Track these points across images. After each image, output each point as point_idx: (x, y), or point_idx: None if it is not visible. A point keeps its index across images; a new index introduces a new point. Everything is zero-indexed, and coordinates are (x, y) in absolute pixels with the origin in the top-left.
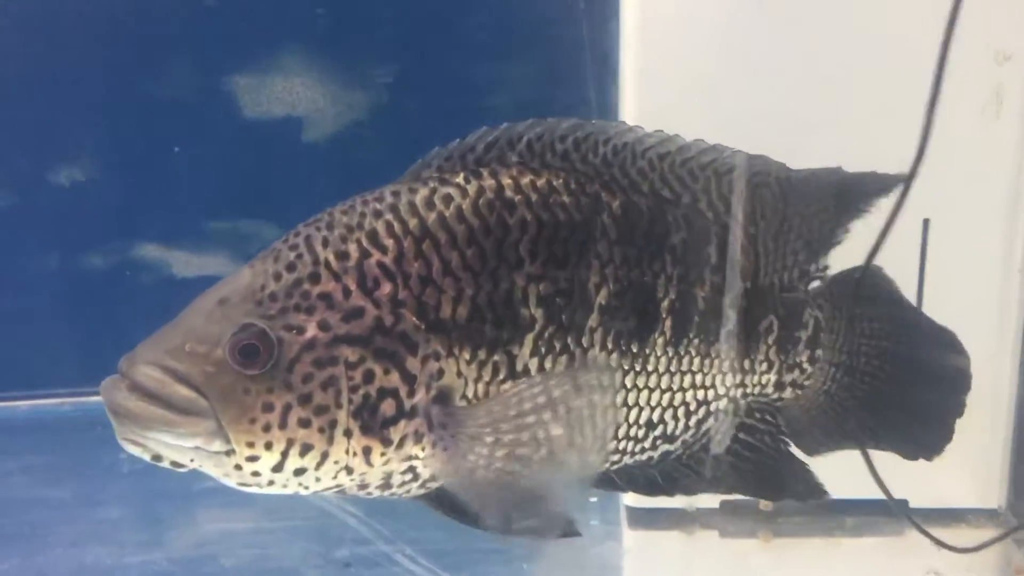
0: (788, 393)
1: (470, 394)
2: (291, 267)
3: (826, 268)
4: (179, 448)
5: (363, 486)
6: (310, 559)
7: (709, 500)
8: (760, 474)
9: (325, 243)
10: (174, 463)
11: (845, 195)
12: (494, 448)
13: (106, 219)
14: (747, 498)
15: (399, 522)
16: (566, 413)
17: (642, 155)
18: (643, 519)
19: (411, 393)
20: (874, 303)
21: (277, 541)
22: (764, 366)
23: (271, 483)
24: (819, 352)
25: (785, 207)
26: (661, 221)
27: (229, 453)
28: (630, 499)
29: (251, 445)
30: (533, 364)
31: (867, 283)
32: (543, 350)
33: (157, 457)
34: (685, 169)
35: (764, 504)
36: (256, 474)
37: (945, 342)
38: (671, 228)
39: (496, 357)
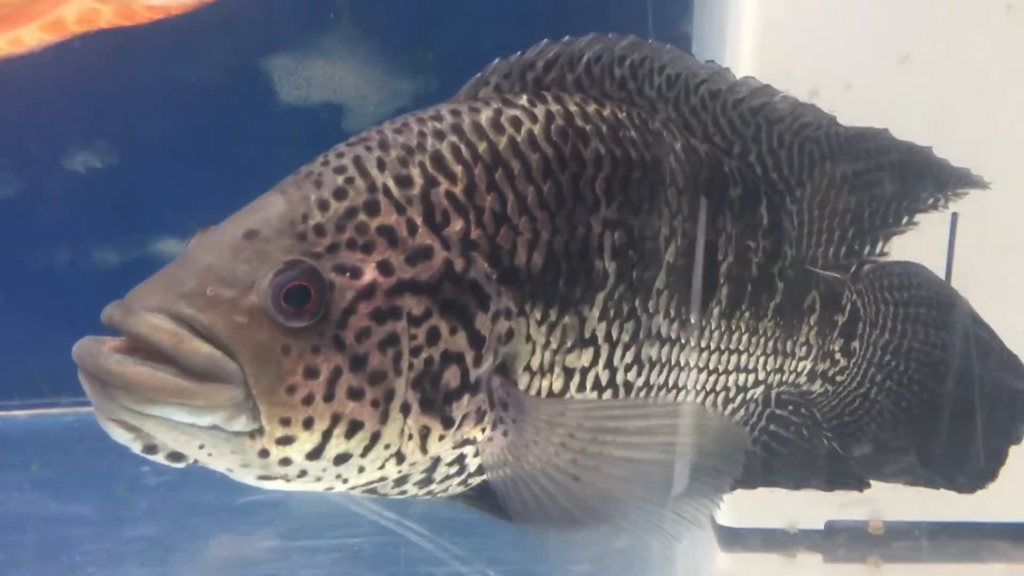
0: (818, 386)
1: (535, 365)
2: (340, 193)
3: (881, 254)
4: (190, 430)
5: (402, 481)
6: None
7: (813, 521)
8: (793, 468)
9: (381, 165)
10: (172, 455)
11: (915, 175)
12: (561, 451)
13: (123, 210)
14: (856, 520)
15: (472, 539)
16: (656, 445)
17: (695, 90)
18: (737, 540)
19: (477, 360)
20: (932, 305)
21: (335, 562)
22: (803, 350)
23: (302, 474)
24: (854, 345)
25: (833, 169)
26: (719, 171)
27: (255, 434)
28: (723, 518)
29: (286, 423)
30: (601, 330)
31: (923, 282)
32: (611, 314)
33: (151, 448)
34: (736, 112)
35: (875, 527)
36: (286, 462)
37: (1010, 364)
38: (728, 181)
39: (567, 319)
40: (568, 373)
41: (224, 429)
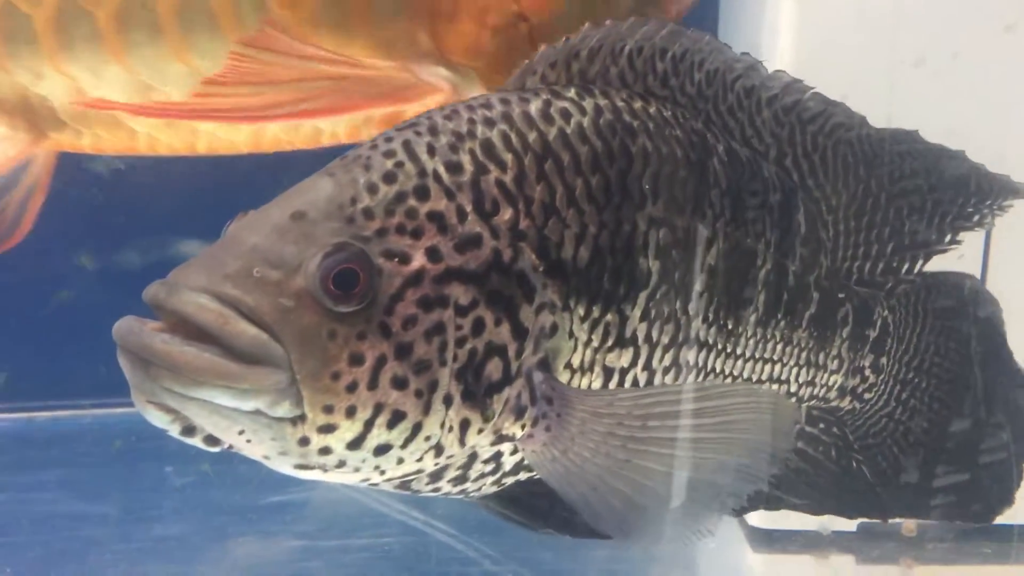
0: (847, 403)
1: (576, 362)
2: (390, 177)
3: (918, 272)
4: (232, 414)
5: (437, 476)
6: None
7: (845, 523)
8: (819, 491)
9: (431, 151)
10: (209, 439)
11: (951, 184)
12: (610, 439)
13: (145, 211)
14: (889, 522)
15: (502, 539)
16: (707, 434)
17: (731, 87)
18: (769, 541)
19: (519, 352)
20: (955, 317)
21: (366, 562)
22: (835, 363)
23: (340, 464)
24: (883, 361)
25: (868, 174)
26: (759, 176)
27: (296, 421)
28: (754, 518)
29: (329, 410)
30: (641, 331)
31: (954, 294)
32: (652, 314)
33: (189, 430)
34: (770, 111)
35: (907, 528)
36: (326, 451)
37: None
38: (769, 186)
39: (609, 317)
40: (608, 372)
41: (267, 415)
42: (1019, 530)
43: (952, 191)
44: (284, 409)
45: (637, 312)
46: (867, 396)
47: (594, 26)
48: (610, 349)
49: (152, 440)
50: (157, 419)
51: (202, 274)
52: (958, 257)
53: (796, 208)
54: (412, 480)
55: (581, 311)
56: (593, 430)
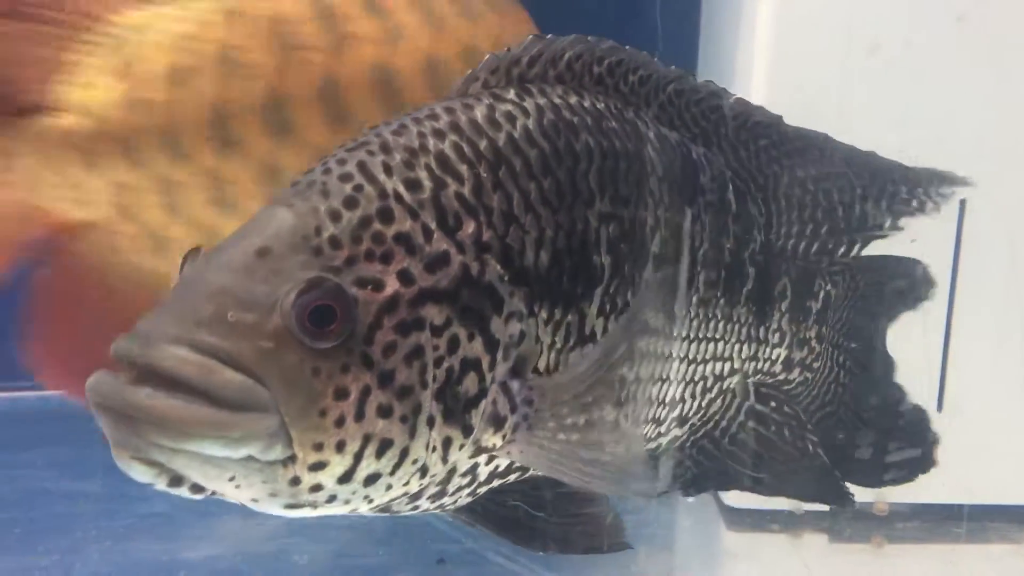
0: (797, 375)
1: (542, 365)
2: (351, 202)
3: (855, 255)
4: (223, 463)
5: (418, 496)
6: (396, 556)
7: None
8: (769, 471)
9: (388, 170)
10: (195, 487)
11: (880, 176)
12: (577, 424)
13: None
14: (861, 502)
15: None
16: (644, 366)
17: (663, 88)
18: (743, 520)
19: (492, 364)
20: (879, 298)
21: (347, 539)
22: (776, 337)
23: (331, 499)
24: (825, 330)
25: (789, 163)
26: (690, 159)
27: (287, 462)
28: (730, 498)
29: (319, 448)
30: (599, 326)
31: (906, 275)
32: (608, 308)
33: (176, 480)
34: (698, 109)
35: (879, 508)
36: (317, 488)
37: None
38: (698, 167)
39: (570, 317)
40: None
41: (259, 459)
42: (983, 510)
43: (874, 179)
44: (276, 452)
45: (594, 309)
46: (815, 365)
47: (537, 39)
48: (572, 348)
49: None
50: (142, 474)
51: (173, 323)
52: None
53: (725, 186)
54: (394, 503)
55: (544, 315)
56: (569, 415)
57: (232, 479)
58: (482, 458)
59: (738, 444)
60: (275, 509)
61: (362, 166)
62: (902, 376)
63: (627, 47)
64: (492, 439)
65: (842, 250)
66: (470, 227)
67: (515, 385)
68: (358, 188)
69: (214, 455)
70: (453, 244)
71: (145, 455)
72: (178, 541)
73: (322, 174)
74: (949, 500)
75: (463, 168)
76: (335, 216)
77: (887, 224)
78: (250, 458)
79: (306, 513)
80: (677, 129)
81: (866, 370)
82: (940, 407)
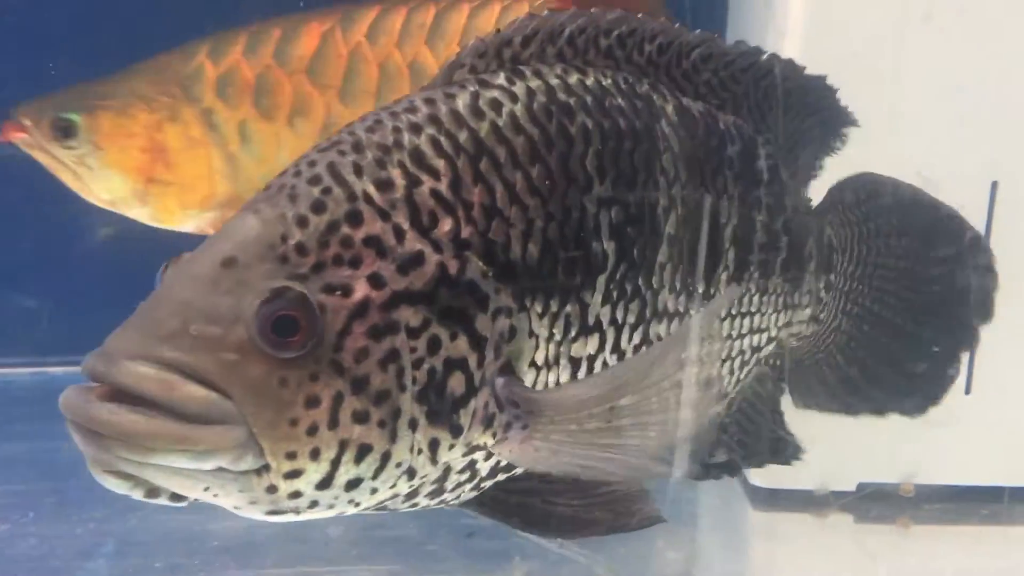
0: (815, 328)
1: (540, 359)
2: (319, 206)
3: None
4: (193, 475)
5: (413, 495)
6: (427, 529)
7: (844, 482)
8: (756, 437)
9: (358, 170)
10: (174, 496)
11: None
12: (580, 431)
13: None
14: (887, 483)
15: None
16: (668, 395)
17: (687, 55)
18: (769, 500)
19: (480, 362)
20: (885, 213)
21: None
22: (807, 299)
23: (313, 505)
24: (832, 277)
25: (800, 119)
26: (715, 129)
27: (261, 471)
28: (755, 478)
29: (292, 456)
30: (605, 315)
31: (880, 188)
32: (615, 295)
33: (153, 492)
34: (727, 73)
35: (905, 489)
36: (296, 495)
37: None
38: (725, 137)
39: (568, 308)
40: (574, 363)
41: (230, 470)
42: (1010, 492)
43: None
44: (247, 463)
45: (598, 297)
46: (822, 317)
47: (531, 16)
48: (574, 340)
49: None
50: (117, 486)
51: (137, 339)
52: None
53: (757, 156)
54: (388, 503)
55: (539, 308)
56: (567, 417)
57: (207, 489)
58: (479, 455)
59: (743, 413)
60: (257, 515)
61: (331, 167)
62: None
63: (639, 15)
64: (483, 438)
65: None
66: (447, 224)
67: (500, 383)
68: (326, 191)
69: (182, 467)
70: (428, 243)
71: (116, 468)
72: (211, 512)
73: (292, 177)
74: (976, 482)
75: (440, 163)
76: (302, 222)
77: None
78: (221, 469)
79: (290, 518)
80: (704, 98)
81: (880, 310)
82: (968, 389)
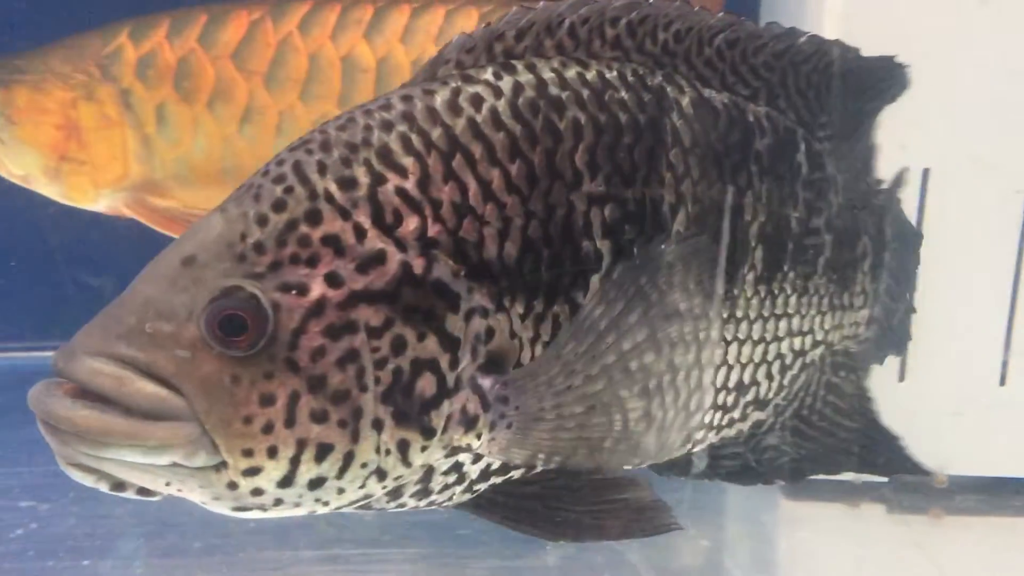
0: (870, 331)
1: (527, 360)
2: (279, 205)
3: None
4: (149, 469)
5: (395, 494)
6: (461, 512)
7: None
8: (845, 447)
9: (322, 169)
10: (142, 490)
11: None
12: (565, 416)
13: None
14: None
15: None
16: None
17: (709, 42)
18: (800, 489)
19: (454, 363)
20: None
21: None
22: (860, 299)
23: (278, 502)
24: (880, 271)
25: (855, 103)
26: (741, 123)
27: (219, 467)
28: None
29: (248, 454)
30: None
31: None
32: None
33: (119, 485)
34: (759, 59)
35: (938, 480)
36: (258, 492)
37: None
38: (753, 131)
39: (556, 309)
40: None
41: (185, 465)
42: None
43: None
44: (201, 459)
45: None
46: (878, 314)
47: (525, 9)
48: None
49: None
50: (83, 479)
51: (98, 335)
52: None
53: (794, 149)
54: (369, 502)
55: (520, 308)
56: (549, 401)
57: (168, 484)
58: (464, 456)
59: (821, 418)
60: (224, 511)
61: (296, 166)
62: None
63: (651, 1)
64: (465, 439)
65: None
66: (412, 223)
67: (487, 383)
68: (288, 190)
69: (137, 462)
70: (392, 242)
71: (77, 462)
72: None
73: (261, 176)
74: (1010, 473)
75: (408, 160)
76: (262, 220)
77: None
78: (176, 465)
79: (257, 515)
80: (732, 87)
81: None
82: (1003, 381)
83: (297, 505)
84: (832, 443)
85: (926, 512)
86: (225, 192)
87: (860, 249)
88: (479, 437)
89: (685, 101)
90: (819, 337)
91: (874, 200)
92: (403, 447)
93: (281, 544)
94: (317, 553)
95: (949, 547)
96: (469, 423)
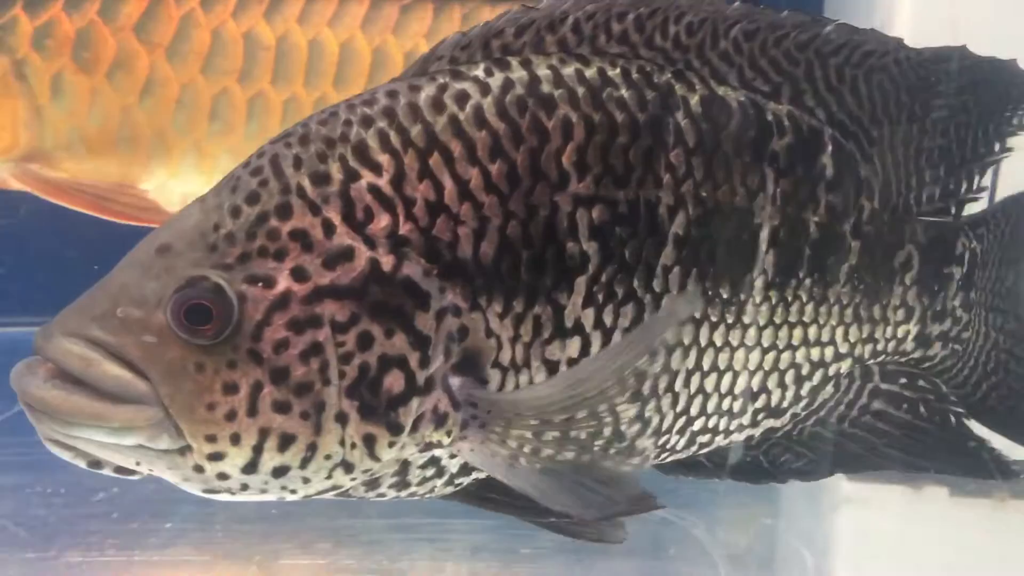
0: (938, 349)
1: (506, 360)
2: (253, 198)
3: (979, 188)
4: (116, 448)
5: (371, 485)
6: None
7: None
8: (909, 451)
9: (297, 163)
10: (119, 469)
11: (999, 93)
12: (541, 434)
13: None
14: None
15: None
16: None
17: (724, 34)
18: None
19: (424, 361)
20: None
21: None
22: (901, 314)
23: (244, 487)
24: (974, 295)
25: (911, 99)
26: (756, 121)
27: (184, 451)
28: None
29: (212, 439)
30: (588, 317)
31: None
32: (600, 298)
33: (96, 463)
34: (779, 51)
35: None
36: (223, 476)
37: None
38: (770, 130)
39: (537, 309)
40: (551, 366)
41: (150, 447)
42: None
43: (997, 99)
44: (165, 442)
45: (578, 299)
46: (965, 336)
47: (527, 7)
48: (548, 341)
49: None
50: (61, 454)
51: (75, 317)
52: None
53: (818, 150)
54: (346, 491)
55: (498, 308)
56: (524, 426)
57: (139, 464)
58: (441, 452)
59: (861, 426)
60: (196, 492)
61: (274, 160)
62: None
63: None
64: (435, 435)
65: (963, 187)
66: (383, 220)
67: (456, 383)
68: (263, 183)
69: (103, 441)
70: (361, 238)
71: (53, 438)
72: None
73: (241, 168)
74: None
75: (383, 158)
76: (235, 212)
77: (997, 148)
78: (141, 446)
79: (227, 498)
80: (751, 82)
81: None
82: None
83: (263, 491)
84: (878, 445)
85: (990, 496)
86: (119, 164)
87: (901, 259)
88: (449, 435)
89: (694, 99)
90: (843, 349)
91: (942, 211)
92: (369, 441)
93: (353, 513)
94: (388, 522)
95: (1013, 531)
96: (440, 420)
